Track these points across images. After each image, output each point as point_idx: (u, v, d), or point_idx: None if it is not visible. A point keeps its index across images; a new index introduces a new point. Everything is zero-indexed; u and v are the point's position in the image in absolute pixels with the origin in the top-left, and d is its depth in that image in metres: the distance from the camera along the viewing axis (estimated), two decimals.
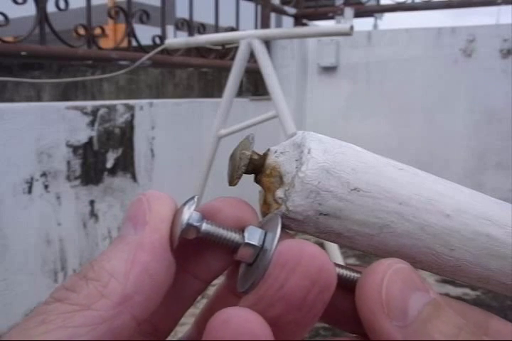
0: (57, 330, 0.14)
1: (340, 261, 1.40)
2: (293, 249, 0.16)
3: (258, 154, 0.19)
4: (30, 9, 1.35)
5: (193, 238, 0.17)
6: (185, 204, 0.18)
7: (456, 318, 0.16)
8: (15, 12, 1.42)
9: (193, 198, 0.18)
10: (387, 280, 0.16)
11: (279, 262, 0.16)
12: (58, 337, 0.14)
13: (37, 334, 0.14)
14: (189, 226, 0.17)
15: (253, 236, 0.18)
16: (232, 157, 0.20)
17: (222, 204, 0.19)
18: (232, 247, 0.18)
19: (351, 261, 1.75)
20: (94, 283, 0.15)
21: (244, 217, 0.19)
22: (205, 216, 0.18)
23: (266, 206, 0.19)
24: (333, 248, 1.38)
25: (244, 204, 0.19)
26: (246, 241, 0.17)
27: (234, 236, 0.17)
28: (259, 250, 0.17)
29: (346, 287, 0.18)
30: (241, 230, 0.18)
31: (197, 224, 0.17)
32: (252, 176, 0.20)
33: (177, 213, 0.18)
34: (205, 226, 0.17)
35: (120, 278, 0.15)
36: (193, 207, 0.17)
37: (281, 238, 0.17)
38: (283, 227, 0.18)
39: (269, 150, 0.20)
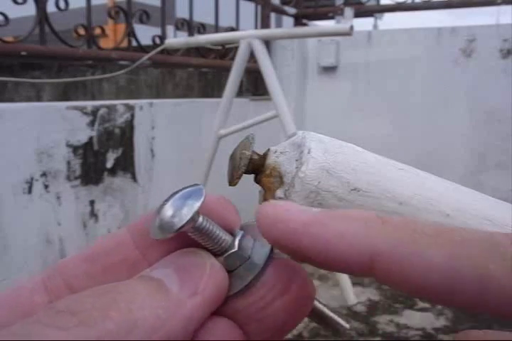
0: None
1: None
2: (287, 271, 0.16)
3: (258, 154, 0.19)
4: (30, 9, 1.35)
5: (184, 231, 0.15)
6: (182, 190, 0.16)
7: None
8: (15, 12, 1.42)
9: (198, 186, 0.16)
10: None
11: (270, 282, 0.15)
12: None
13: None
14: (190, 221, 0.15)
15: (242, 243, 0.16)
16: (232, 157, 0.20)
17: (212, 203, 0.17)
18: (216, 249, 0.16)
19: None
20: (112, 326, 0.13)
21: (229, 217, 0.17)
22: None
23: None
24: None
25: (229, 203, 0.17)
26: (236, 249, 0.16)
27: (223, 239, 0.16)
28: (246, 260, 0.16)
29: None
30: (230, 232, 0.17)
31: (196, 218, 0.15)
32: (252, 176, 0.20)
33: (171, 199, 0.16)
34: (200, 222, 0.16)
35: (142, 335, 0.13)
36: (201, 200, 0.15)
37: (271, 253, 0.16)
38: None
39: (269, 150, 0.20)
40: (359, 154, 0.19)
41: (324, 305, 0.18)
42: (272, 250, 0.16)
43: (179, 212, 0.15)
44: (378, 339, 1.27)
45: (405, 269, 0.12)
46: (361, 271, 0.13)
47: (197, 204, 0.15)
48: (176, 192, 0.16)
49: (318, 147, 0.18)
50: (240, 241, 0.16)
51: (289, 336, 1.26)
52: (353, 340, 1.27)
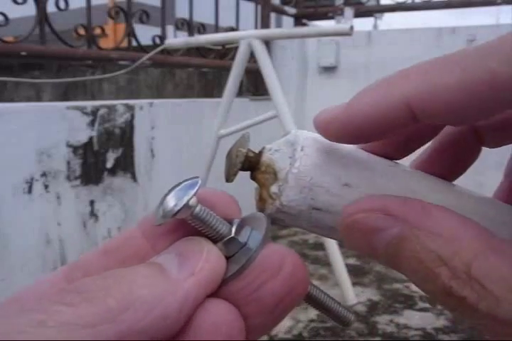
0: None
1: (340, 260, 1.40)
2: (278, 254, 0.17)
3: (253, 152, 0.20)
4: (30, 9, 1.35)
5: (181, 219, 0.17)
6: (183, 183, 0.18)
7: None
8: (15, 12, 1.42)
9: (196, 178, 0.18)
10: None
11: (262, 264, 0.17)
12: None
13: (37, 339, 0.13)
14: (186, 206, 0.16)
15: (240, 231, 0.18)
16: (229, 155, 0.21)
17: (212, 196, 0.18)
18: (215, 237, 0.17)
19: (351, 261, 1.75)
20: (113, 303, 0.14)
21: (229, 209, 0.18)
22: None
23: (261, 202, 0.19)
24: (333, 248, 1.39)
25: (229, 197, 0.19)
26: (233, 235, 0.17)
27: (221, 226, 0.17)
28: (242, 246, 0.17)
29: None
30: (229, 222, 0.18)
31: (193, 205, 0.17)
32: (248, 174, 0.20)
33: (172, 191, 0.17)
34: (198, 210, 0.17)
35: (140, 311, 0.14)
36: (196, 188, 0.17)
37: (266, 239, 0.17)
38: (270, 227, 0.18)
39: (264, 148, 0.20)
40: (351, 152, 0.19)
41: (327, 295, 0.19)
42: (265, 236, 0.17)
43: (178, 201, 0.17)
44: (378, 339, 1.27)
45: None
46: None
47: (191, 192, 0.17)
48: (178, 184, 0.18)
49: (311, 145, 0.19)
50: (238, 229, 0.18)
51: (289, 336, 1.26)
52: (353, 340, 1.27)
